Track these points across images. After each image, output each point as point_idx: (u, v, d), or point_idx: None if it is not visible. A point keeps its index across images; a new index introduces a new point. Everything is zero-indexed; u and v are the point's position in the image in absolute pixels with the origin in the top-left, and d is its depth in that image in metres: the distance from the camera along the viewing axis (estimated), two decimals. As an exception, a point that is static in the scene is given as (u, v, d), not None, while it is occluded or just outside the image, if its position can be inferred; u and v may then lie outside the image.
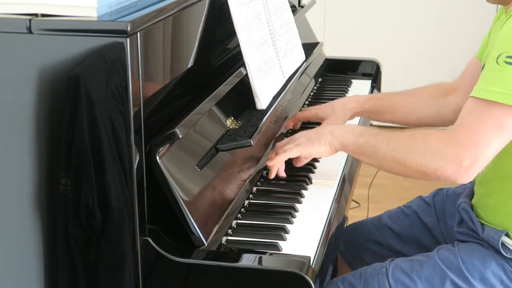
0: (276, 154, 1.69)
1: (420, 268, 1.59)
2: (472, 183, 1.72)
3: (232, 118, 1.63)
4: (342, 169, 1.81)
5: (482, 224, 1.61)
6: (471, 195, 1.70)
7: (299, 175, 1.74)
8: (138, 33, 1.22)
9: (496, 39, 1.47)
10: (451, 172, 1.42)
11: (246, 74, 1.67)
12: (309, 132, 1.70)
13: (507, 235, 1.55)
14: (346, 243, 1.97)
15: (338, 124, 1.90)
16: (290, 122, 1.97)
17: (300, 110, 2.09)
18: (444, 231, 1.85)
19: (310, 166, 1.80)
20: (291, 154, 1.67)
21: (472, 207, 1.66)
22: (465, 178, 1.43)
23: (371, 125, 2.22)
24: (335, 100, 2.00)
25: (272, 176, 1.70)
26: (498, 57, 1.41)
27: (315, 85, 2.40)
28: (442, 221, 1.86)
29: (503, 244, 1.55)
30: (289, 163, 1.72)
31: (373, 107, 1.96)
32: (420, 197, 1.95)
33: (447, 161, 1.42)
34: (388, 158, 1.52)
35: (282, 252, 1.42)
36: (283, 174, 1.71)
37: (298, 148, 1.67)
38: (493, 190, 1.59)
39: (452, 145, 1.42)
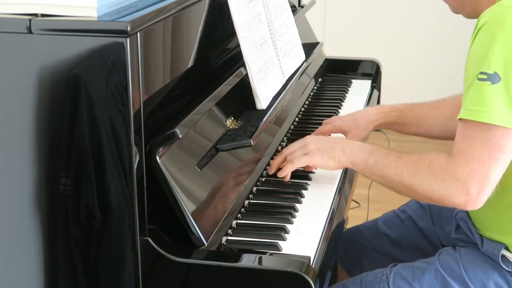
0: (285, 161, 1.67)
1: (422, 276, 1.58)
2: None
3: (232, 118, 1.63)
4: (342, 169, 1.81)
5: (480, 235, 1.60)
6: None
7: (299, 175, 1.74)
8: (138, 33, 1.22)
9: (470, 55, 1.44)
10: (459, 201, 1.42)
11: (246, 74, 1.67)
12: (320, 141, 1.67)
13: (506, 248, 1.54)
14: (344, 251, 1.97)
15: (361, 136, 1.88)
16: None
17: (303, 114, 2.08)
18: (441, 235, 1.84)
19: (311, 166, 1.80)
20: (299, 164, 1.65)
21: (469, 216, 1.65)
22: (475, 205, 1.42)
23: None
24: (357, 112, 1.97)
25: (287, 179, 1.68)
26: (477, 75, 1.38)
27: (315, 85, 2.40)
28: (438, 225, 1.85)
29: (503, 257, 1.54)
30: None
31: (396, 119, 1.93)
32: (415, 200, 1.93)
33: (453, 191, 1.41)
34: (396, 181, 1.51)
35: (282, 252, 1.42)
36: (288, 178, 1.69)
37: (307, 158, 1.64)
38: (487, 203, 1.58)
39: (455, 176, 1.41)
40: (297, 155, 1.66)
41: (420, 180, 1.46)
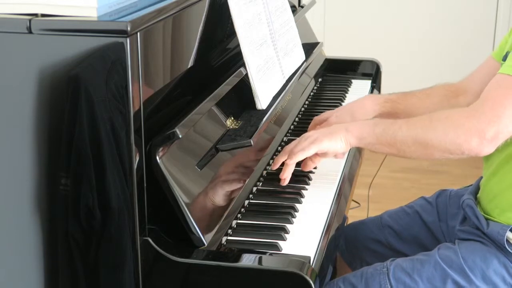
0: (291, 154, 1.63)
1: (421, 268, 1.59)
2: (478, 180, 1.73)
3: (232, 118, 1.63)
4: (342, 169, 1.81)
5: (486, 219, 1.61)
6: (476, 191, 1.70)
7: (299, 175, 1.74)
8: (138, 33, 1.22)
9: None
10: (475, 144, 1.45)
11: (246, 74, 1.67)
12: (321, 130, 1.65)
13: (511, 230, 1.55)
14: (346, 242, 1.97)
15: None
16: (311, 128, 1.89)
17: (300, 110, 2.08)
18: (445, 230, 1.85)
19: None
20: (310, 152, 1.61)
21: (476, 203, 1.66)
22: (488, 149, 1.46)
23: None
24: (352, 104, 1.95)
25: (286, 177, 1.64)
26: None
27: (315, 85, 2.40)
28: (444, 221, 1.86)
29: (507, 240, 1.55)
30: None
31: (390, 109, 1.94)
32: (423, 197, 1.95)
33: (470, 134, 1.45)
34: (409, 143, 1.52)
35: (282, 252, 1.42)
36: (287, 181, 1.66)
37: (315, 145, 1.60)
38: (500, 175, 1.60)
39: (476, 118, 1.45)
40: (304, 146, 1.62)
41: (435, 132, 1.49)
